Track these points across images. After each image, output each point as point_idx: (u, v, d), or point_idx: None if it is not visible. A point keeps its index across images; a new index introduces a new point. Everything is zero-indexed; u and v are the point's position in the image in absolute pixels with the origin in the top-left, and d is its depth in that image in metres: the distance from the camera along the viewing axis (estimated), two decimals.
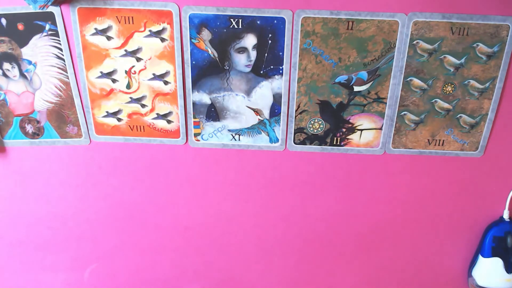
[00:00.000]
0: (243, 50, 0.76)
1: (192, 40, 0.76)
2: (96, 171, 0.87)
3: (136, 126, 0.83)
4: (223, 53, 0.77)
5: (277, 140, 0.83)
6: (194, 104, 0.81)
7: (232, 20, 0.74)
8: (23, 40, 0.77)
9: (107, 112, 0.82)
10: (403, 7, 0.72)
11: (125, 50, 0.77)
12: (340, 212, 0.89)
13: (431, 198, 0.86)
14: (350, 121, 0.81)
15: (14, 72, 0.80)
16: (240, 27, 0.75)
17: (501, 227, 0.84)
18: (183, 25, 0.75)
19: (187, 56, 0.77)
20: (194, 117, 0.82)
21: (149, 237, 0.93)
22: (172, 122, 0.83)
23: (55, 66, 0.79)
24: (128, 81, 0.80)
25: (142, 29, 0.76)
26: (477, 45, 0.74)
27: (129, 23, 0.75)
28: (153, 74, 0.79)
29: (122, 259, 0.95)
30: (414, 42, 0.74)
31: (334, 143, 0.83)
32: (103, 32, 0.76)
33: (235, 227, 0.91)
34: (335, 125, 0.81)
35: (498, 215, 0.86)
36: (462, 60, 0.75)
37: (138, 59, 0.78)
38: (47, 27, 0.76)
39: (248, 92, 0.80)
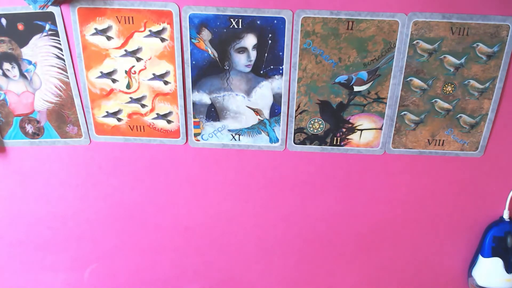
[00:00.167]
0: (243, 50, 0.76)
1: (192, 40, 0.76)
2: (96, 171, 0.87)
3: (136, 126, 0.83)
4: (223, 53, 0.77)
5: (277, 140, 0.83)
6: (194, 104, 0.81)
7: (232, 20, 0.74)
8: (23, 40, 0.77)
9: (107, 112, 0.82)
10: (403, 7, 0.72)
11: (125, 50, 0.77)
12: (340, 212, 0.89)
13: (431, 198, 0.86)
14: (350, 121, 0.81)
15: (14, 72, 0.80)
16: (240, 27, 0.75)
17: (501, 227, 0.84)
18: (183, 25, 0.75)
19: (187, 56, 0.77)
20: (194, 117, 0.82)
21: (149, 237, 0.93)
22: (172, 122, 0.82)
23: (55, 66, 0.79)
24: (128, 81, 0.80)
25: (142, 29, 0.76)
26: (477, 45, 0.74)
27: (129, 23, 0.75)
28: (153, 74, 0.79)
29: (122, 259, 0.95)
30: (414, 42, 0.74)
31: (334, 143, 0.83)
32: (103, 32, 0.76)
33: (235, 227, 0.91)
34: (335, 125, 0.81)
35: (498, 215, 0.86)
36: (462, 60, 0.75)
37: (138, 59, 0.78)
38: (47, 27, 0.76)
39: (248, 92, 0.79)
